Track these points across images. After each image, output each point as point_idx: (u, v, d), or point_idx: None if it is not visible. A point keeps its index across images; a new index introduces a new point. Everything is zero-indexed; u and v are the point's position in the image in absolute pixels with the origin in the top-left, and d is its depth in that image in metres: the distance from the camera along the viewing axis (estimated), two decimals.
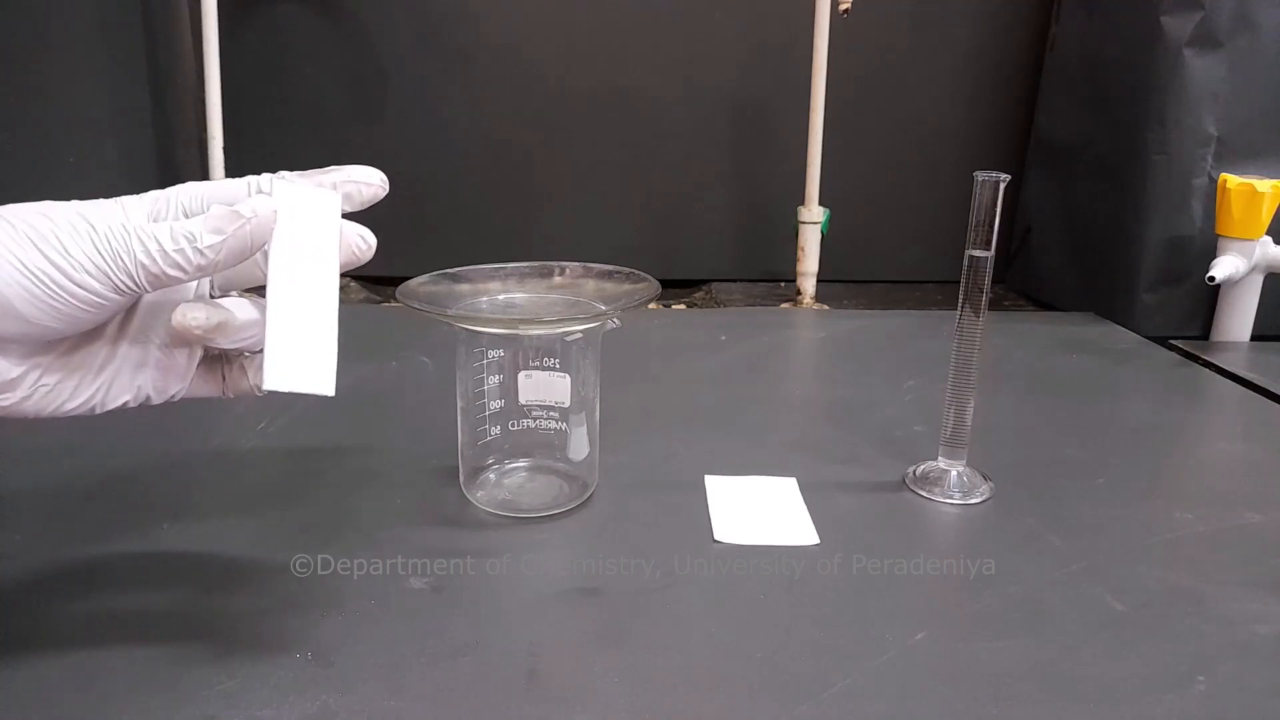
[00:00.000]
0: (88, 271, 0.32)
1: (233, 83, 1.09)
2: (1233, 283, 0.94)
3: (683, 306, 1.20)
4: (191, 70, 1.12)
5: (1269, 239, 0.93)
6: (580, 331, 0.50)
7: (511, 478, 0.54)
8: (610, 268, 0.54)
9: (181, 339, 0.36)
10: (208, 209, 0.35)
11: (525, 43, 1.21)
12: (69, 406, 0.35)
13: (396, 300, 0.48)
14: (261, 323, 0.36)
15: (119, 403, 0.37)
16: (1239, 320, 0.96)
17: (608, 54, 1.22)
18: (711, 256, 1.31)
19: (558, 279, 0.54)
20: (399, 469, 0.57)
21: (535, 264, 0.54)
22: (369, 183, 0.39)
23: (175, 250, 0.33)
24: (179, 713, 0.35)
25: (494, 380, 0.51)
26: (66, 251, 0.32)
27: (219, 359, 0.40)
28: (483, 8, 1.20)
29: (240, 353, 0.40)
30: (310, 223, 0.36)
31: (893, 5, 1.21)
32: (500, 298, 0.53)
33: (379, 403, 0.70)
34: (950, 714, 0.36)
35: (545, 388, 0.51)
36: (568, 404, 0.51)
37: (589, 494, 0.54)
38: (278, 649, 0.39)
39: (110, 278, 0.32)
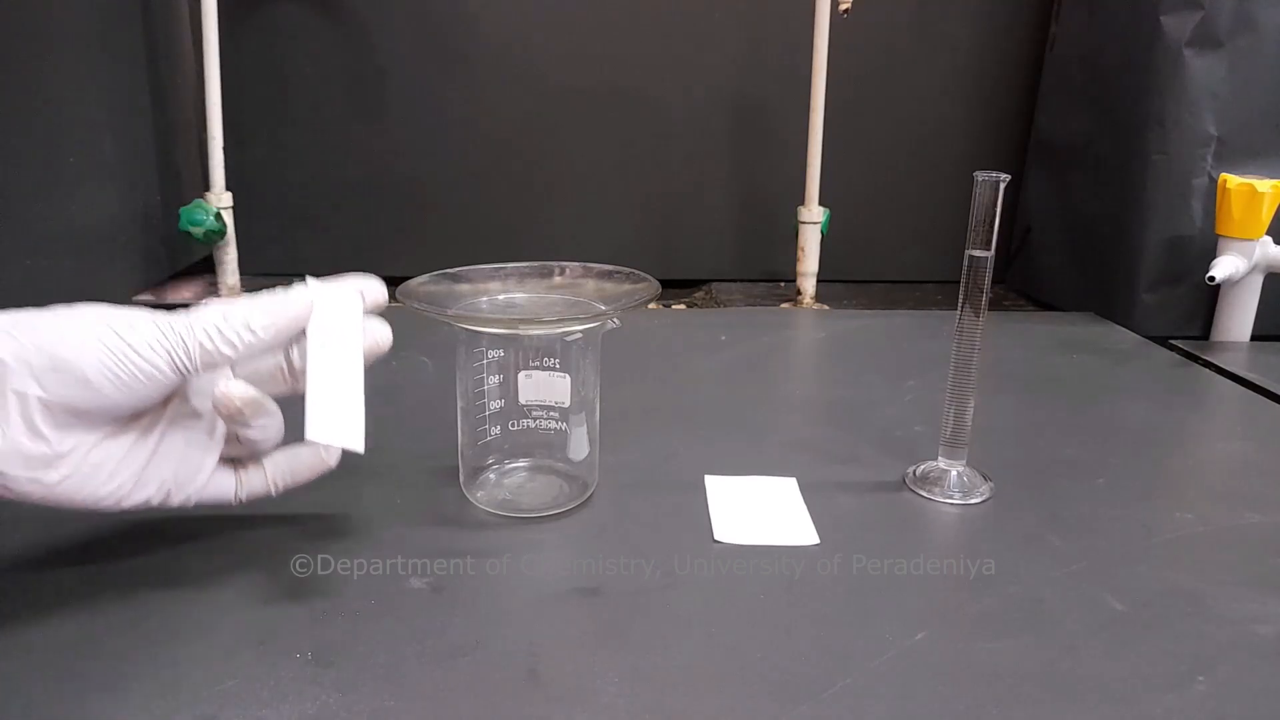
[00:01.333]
0: (153, 349, 0.37)
1: (233, 83, 1.09)
2: (1233, 283, 0.94)
3: (683, 306, 1.20)
4: (191, 70, 1.12)
5: (1269, 239, 0.93)
6: (580, 331, 0.50)
7: (511, 478, 0.54)
8: (610, 268, 0.54)
9: (220, 409, 0.41)
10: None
11: (525, 43, 1.21)
12: (101, 493, 0.39)
13: (396, 300, 0.48)
14: (278, 417, 0.44)
15: (143, 496, 0.41)
16: (1239, 320, 0.96)
17: (608, 54, 1.22)
18: (711, 256, 1.31)
19: (558, 279, 0.54)
20: (399, 469, 0.57)
21: (535, 264, 0.54)
22: (369, 290, 0.45)
23: (232, 332, 0.39)
24: (179, 713, 0.35)
25: (494, 380, 0.51)
26: (135, 328, 0.38)
27: (233, 463, 0.45)
28: (483, 8, 1.20)
29: (255, 454, 0.45)
30: (338, 312, 0.42)
31: (893, 5, 1.21)
32: (500, 298, 0.53)
33: (379, 403, 0.70)
34: (950, 714, 0.36)
35: (545, 388, 0.51)
36: (568, 404, 0.51)
37: (589, 494, 0.54)
38: (278, 649, 0.39)
39: (172, 356, 0.38)
